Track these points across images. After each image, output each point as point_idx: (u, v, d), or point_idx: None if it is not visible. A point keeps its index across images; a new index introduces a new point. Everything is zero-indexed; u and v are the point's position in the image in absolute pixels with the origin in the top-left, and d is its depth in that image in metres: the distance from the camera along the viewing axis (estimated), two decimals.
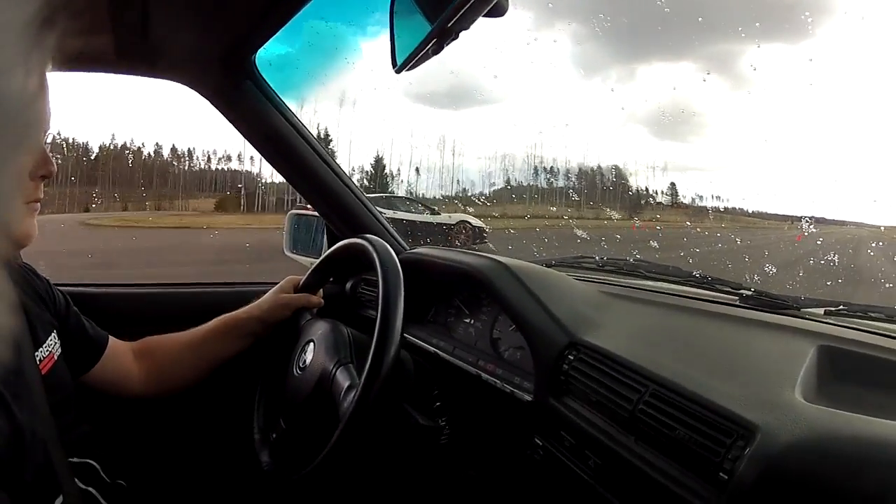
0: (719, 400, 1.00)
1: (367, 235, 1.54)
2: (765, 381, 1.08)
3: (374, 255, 1.42)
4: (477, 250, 1.81)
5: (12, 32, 0.31)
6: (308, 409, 1.45)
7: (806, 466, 0.85)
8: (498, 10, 0.78)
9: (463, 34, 0.84)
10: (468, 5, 0.76)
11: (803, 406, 0.97)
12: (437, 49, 0.88)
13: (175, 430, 1.99)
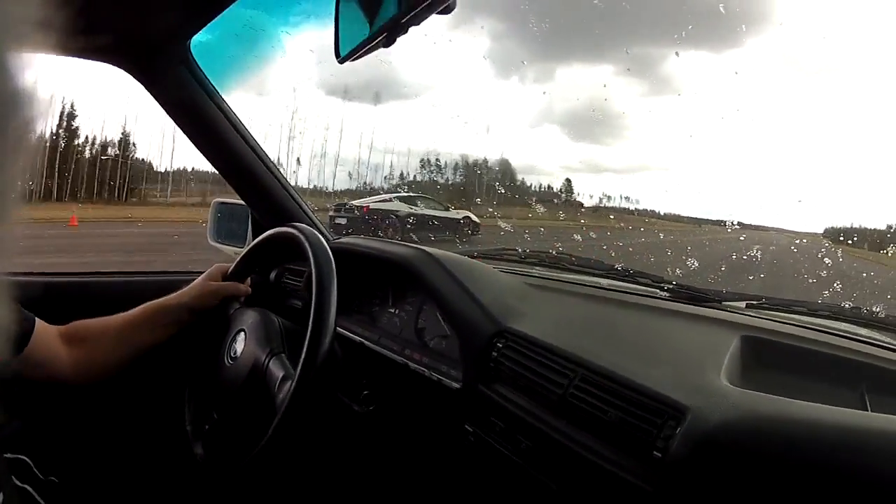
0: (649, 384, 1.05)
1: (298, 224, 1.55)
2: (692, 367, 1.13)
3: (307, 245, 1.42)
4: (400, 240, 1.81)
5: (12, 32, 0.32)
6: (241, 400, 1.43)
7: (736, 443, 0.91)
8: (448, 8, 0.77)
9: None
10: (420, 6, 0.77)
11: (730, 389, 1.02)
12: (389, 42, 0.88)
13: (107, 424, 1.92)
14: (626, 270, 1.75)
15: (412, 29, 0.83)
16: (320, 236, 1.45)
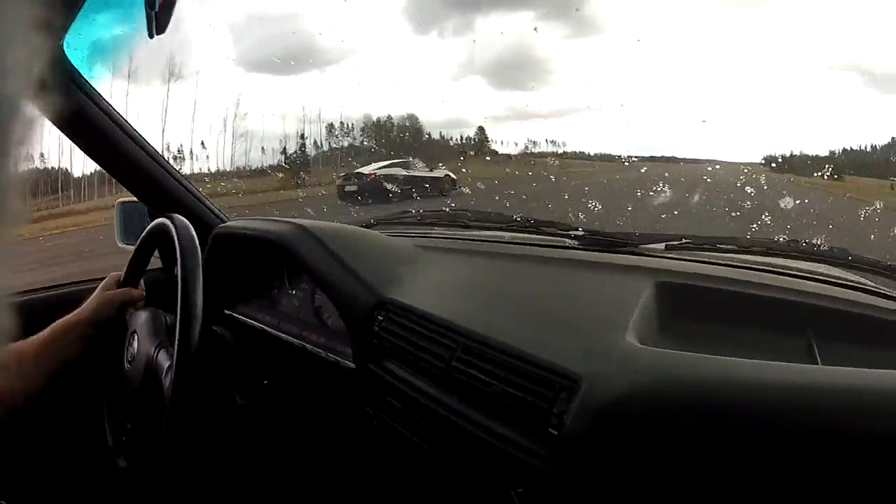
0: (535, 351, 0.92)
1: (171, 214, 1.46)
2: (592, 327, 1.00)
3: (173, 233, 1.37)
4: (289, 217, 1.68)
5: (11, 34, 0.32)
6: (143, 400, 1.40)
7: (643, 414, 0.77)
8: None
9: None
10: None
11: (635, 350, 0.87)
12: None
13: (35, 446, 1.81)
14: (528, 220, 1.61)
15: None
16: (187, 223, 1.40)
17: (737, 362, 0.79)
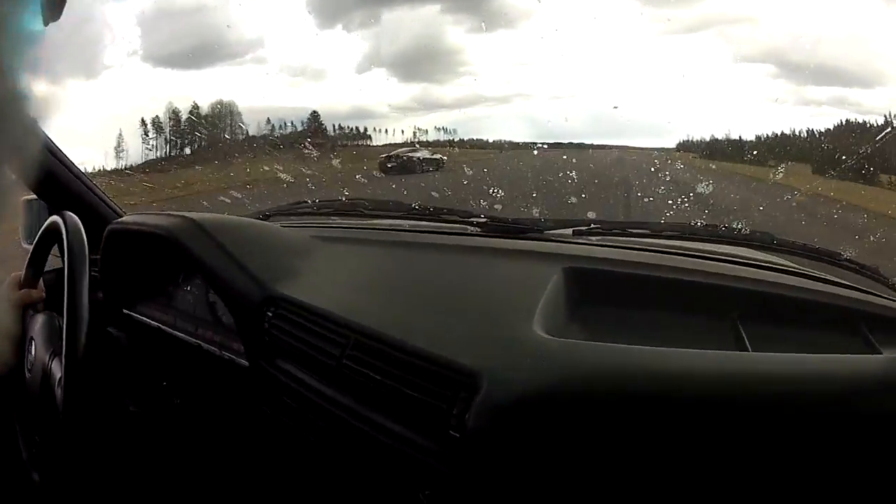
0: (432, 346, 0.86)
1: (63, 212, 1.39)
2: (495, 318, 0.94)
3: (63, 231, 1.30)
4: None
5: (9, 35, 0.34)
6: (42, 411, 1.33)
7: (542, 414, 0.72)
8: None
9: None
10: None
11: (541, 342, 0.83)
12: None
13: None
14: (428, 208, 1.56)
15: None
16: (76, 220, 1.33)
17: (655, 351, 0.75)
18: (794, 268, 1.13)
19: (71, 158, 1.91)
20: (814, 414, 0.66)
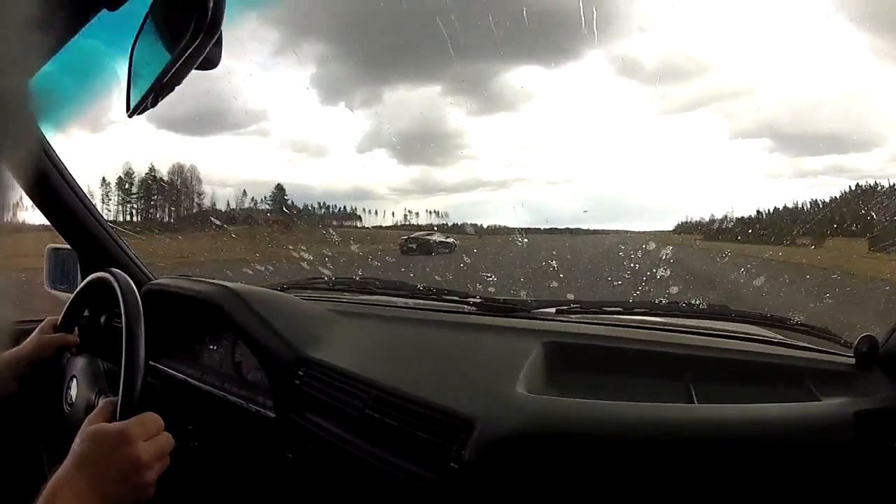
0: (437, 399, 1.07)
1: (112, 269, 1.51)
2: (486, 379, 1.15)
3: (117, 288, 1.41)
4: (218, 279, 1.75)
5: (14, 31, 0.33)
6: None
7: (527, 448, 0.94)
8: (210, 63, 0.77)
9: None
10: (178, 64, 0.76)
11: (523, 397, 1.04)
12: (154, 102, 0.88)
13: None
14: (431, 289, 1.79)
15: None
16: (129, 279, 1.43)
17: (612, 404, 0.97)
18: (747, 334, 1.29)
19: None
20: (747, 450, 0.88)
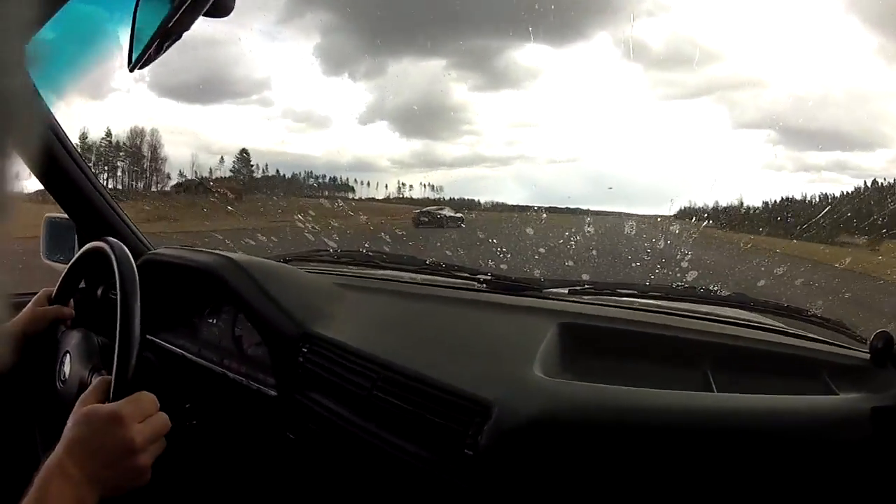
0: (451, 380, 1.03)
1: (107, 238, 1.47)
2: (501, 360, 1.12)
3: (112, 257, 1.36)
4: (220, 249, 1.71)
5: (13, 31, 0.33)
6: None
7: (547, 434, 0.91)
8: (221, 10, 0.74)
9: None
10: (184, 6, 0.73)
11: (539, 380, 1.00)
12: (158, 51, 0.86)
13: None
14: (440, 264, 1.75)
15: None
16: (125, 248, 1.39)
17: (631, 390, 0.94)
18: (764, 324, 1.27)
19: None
20: (765, 441, 0.86)
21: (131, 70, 0.94)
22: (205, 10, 0.73)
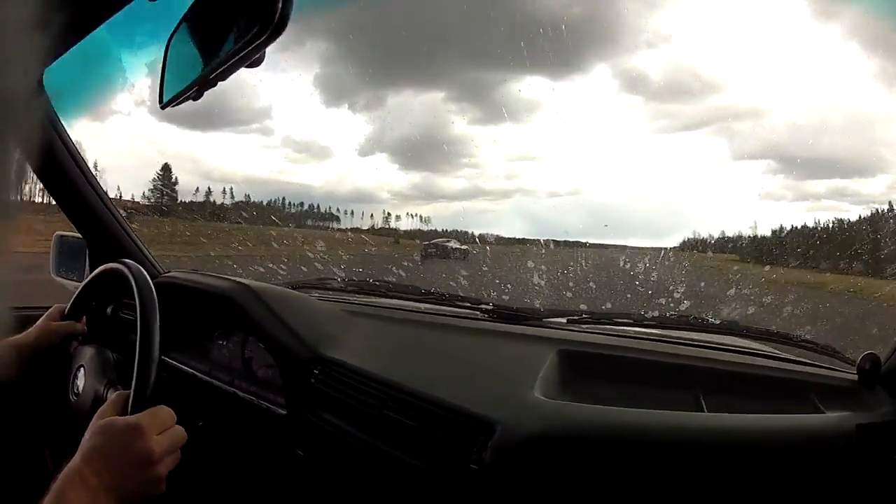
0: (458, 401, 1.09)
1: (125, 260, 1.52)
2: (504, 384, 1.19)
3: (132, 280, 1.41)
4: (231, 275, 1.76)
5: (13, 31, 0.33)
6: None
7: (545, 451, 0.97)
8: (256, 61, 0.77)
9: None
10: (233, 61, 0.77)
11: (540, 401, 1.07)
12: (198, 96, 0.89)
13: None
14: (443, 294, 1.81)
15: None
16: (144, 272, 1.44)
17: (625, 411, 1.01)
18: (754, 349, 1.33)
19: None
20: (754, 457, 0.92)
21: (163, 107, 0.98)
22: (247, 63, 0.77)
